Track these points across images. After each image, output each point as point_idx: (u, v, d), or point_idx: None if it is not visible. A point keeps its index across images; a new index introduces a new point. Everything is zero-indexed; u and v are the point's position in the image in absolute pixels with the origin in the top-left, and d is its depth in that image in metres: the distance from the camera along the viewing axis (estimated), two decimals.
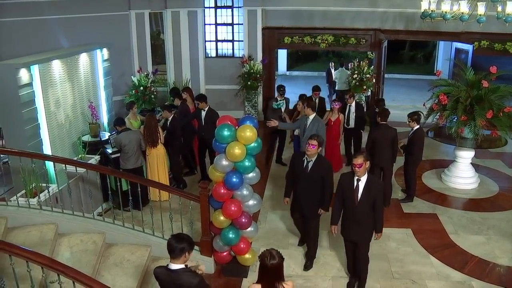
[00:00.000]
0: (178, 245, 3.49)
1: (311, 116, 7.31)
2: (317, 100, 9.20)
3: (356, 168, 4.83)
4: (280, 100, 8.79)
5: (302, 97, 8.90)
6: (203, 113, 7.97)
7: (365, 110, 11.43)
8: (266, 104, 9.47)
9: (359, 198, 4.94)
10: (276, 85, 10.42)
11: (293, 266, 5.81)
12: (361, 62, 11.37)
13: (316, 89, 9.42)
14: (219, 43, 12.24)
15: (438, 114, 7.66)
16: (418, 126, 7.22)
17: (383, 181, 7.32)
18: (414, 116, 7.22)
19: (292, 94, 10.83)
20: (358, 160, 4.81)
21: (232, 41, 12.18)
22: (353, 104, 8.70)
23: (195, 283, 3.46)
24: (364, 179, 4.94)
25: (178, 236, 3.61)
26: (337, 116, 8.41)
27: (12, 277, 3.84)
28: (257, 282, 3.47)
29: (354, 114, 8.70)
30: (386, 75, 13.23)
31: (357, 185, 4.94)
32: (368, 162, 4.90)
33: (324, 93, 11.78)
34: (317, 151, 5.39)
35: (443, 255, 6.07)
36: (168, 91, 11.14)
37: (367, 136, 7.76)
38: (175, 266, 3.50)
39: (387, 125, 7.15)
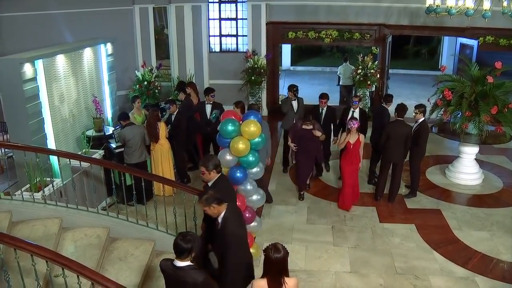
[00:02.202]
0: (186, 246, 3.46)
1: None
2: (323, 111, 7.92)
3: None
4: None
5: (308, 117, 7.12)
6: (208, 107, 7.97)
7: (369, 105, 11.43)
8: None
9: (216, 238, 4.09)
10: (279, 82, 9.97)
11: (296, 261, 5.82)
12: (365, 57, 11.32)
13: (322, 96, 7.92)
14: (223, 38, 12.24)
15: (442, 109, 7.63)
16: (423, 118, 7.24)
17: (393, 177, 7.31)
18: (421, 108, 7.23)
19: None
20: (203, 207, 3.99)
21: (236, 36, 12.16)
22: (357, 110, 7.82)
23: (200, 281, 3.44)
24: (220, 217, 4.00)
25: (185, 236, 3.52)
26: (356, 137, 6.88)
27: (17, 271, 3.86)
28: (262, 277, 3.48)
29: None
30: (390, 71, 13.16)
31: (217, 223, 4.06)
32: (215, 205, 3.94)
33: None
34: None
35: (447, 251, 6.08)
36: (172, 85, 11.17)
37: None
38: (180, 263, 3.50)
39: (403, 122, 7.12)
